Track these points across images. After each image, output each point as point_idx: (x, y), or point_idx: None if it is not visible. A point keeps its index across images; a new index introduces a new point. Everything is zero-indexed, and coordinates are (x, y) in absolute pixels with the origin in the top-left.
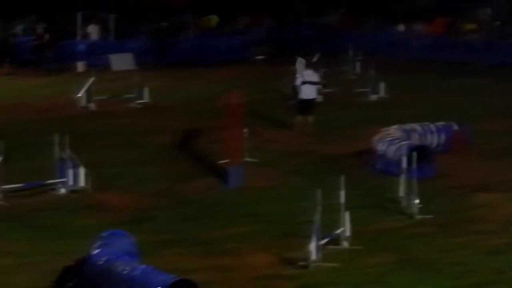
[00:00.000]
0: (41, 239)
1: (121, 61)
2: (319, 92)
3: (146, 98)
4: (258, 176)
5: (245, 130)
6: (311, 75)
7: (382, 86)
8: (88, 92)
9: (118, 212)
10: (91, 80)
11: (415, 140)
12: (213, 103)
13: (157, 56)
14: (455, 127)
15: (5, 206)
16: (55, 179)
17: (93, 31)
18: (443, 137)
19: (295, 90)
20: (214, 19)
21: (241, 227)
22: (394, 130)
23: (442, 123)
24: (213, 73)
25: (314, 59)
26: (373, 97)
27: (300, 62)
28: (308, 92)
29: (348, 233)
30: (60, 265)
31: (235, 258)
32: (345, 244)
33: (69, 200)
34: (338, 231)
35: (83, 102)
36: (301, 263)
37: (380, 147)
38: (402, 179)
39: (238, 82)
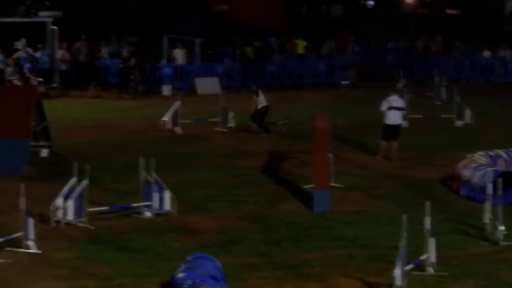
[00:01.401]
0: (125, 262)
1: (206, 85)
2: (404, 118)
3: (231, 122)
4: (343, 200)
5: (331, 154)
6: (397, 101)
7: (467, 111)
8: (174, 115)
9: (203, 235)
10: (177, 103)
11: (501, 166)
12: (299, 127)
13: (242, 79)
14: None
15: (91, 229)
16: (140, 202)
17: (179, 55)
18: None
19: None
20: (300, 43)
21: (327, 251)
22: (479, 156)
23: None
24: (298, 97)
25: (400, 85)
26: (459, 123)
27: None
28: (393, 118)
29: (433, 259)
30: None
31: (320, 283)
32: (430, 270)
33: (154, 223)
34: (423, 257)
35: (169, 125)
36: None
37: (466, 173)
38: (487, 205)
39: (324, 106)
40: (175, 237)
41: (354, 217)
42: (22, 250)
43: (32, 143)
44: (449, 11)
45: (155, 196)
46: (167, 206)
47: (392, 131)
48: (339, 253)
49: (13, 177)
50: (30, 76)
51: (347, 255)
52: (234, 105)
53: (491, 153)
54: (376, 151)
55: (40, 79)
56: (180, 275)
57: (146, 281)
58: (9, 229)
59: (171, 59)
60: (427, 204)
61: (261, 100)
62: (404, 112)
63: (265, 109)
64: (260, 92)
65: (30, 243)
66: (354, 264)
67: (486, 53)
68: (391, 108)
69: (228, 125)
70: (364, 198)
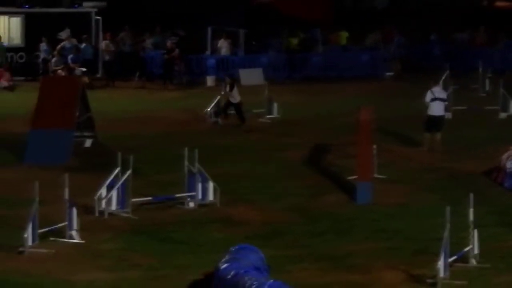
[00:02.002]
0: (169, 253)
1: (250, 76)
2: (447, 109)
3: (275, 113)
4: (387, 192)
5: (374, 146)
6: (440, 92)
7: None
8: (217, 106)
9: (247, 227)
10: (221, 94)
11: None
12: (342, 119)
13: (287, 71)
14: None
15: (134, 220)
16: (184, 193)
17: (223, 45)
18: None
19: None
20: (344, 35)
21: (370, 243)
22: None
23: None
24: (342, 89)
25: (444, 76)
26: (503, 115)
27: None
28: (437, 109)
29: (476, 251)
30: (188, 279)
31: (364, 275)
32: (473, 262)
33: (198, 214)
34: (466, 249)
35: (212, 117)
36: (429, 280)
37: (509, 165)
38: None
39: (367, 98)
40: (218, 228)
41: (397, 209)
42: (66, 240)
43: (76, 134)
44: (498, 4)
45: (199, 187)
46: (211, 197)
47: (435, 123)
48: (382, 245)
49: (58, 167)
50: (74, 66)
51: (390, 247)
52: (278, 97)
53: None
54: (419, 143)
55: (84, 70)
56: (224, 266)
57: (190, 272)
58: (53, 219)
59: (215, 50)
60: (471, 196)
61: (235, 95)
62: (446, 103)
63: (237, 105)
64: (235, 86)
65: (74, 233)
66: (398, 256)
67: None
68: (435, 99)
69: (272, 116)
70: (408, 190)
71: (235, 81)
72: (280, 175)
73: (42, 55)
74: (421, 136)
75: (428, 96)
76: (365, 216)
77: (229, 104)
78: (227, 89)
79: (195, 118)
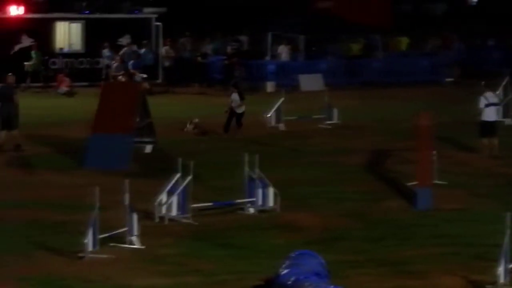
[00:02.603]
0: (229, 258)
1: (310, 82)
2: (505, 115)
3: (335, 119)
4: (447, 198)
5: (434, 152)
6: (493, 97)
7: None
8: (277, 112)
9: (307, 232)
10: (281, 100)
11: None
12: (402, 124)
13: (346, 76)
14: None
15: (194, 225)
16: (244, 198)
17: (283, 51)
18: None
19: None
20: (404, 41)
21: (430, 249)
22: None
23: None
24: (402, 94)
25: (504, 82)
26: None
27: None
28: (491, 114)
29: None
30: (248, 285)
31: (422, 280)
32: None
33: (258, 220)
34: None
35: (272, 122)
36: (489, 286)
37: None
38: None
39: (427, 103)
40: (278, 234)
41: (457, 215)
42: (126, 245)
43: (136, 139)
44: None
45: (259, 192)
46: (271, 202)
47: (490, 128)
48: (441, 251)
49: (118, 173)
50: (134, 72)
51: (450, 252)
52: (337, 102)
53: None
54: (478, 148)
55: (145, 76)
56: (284, 271)
57: (249, 278)
58: (113, 224)
59: (275, 56)
60: None
61: (241, 105)
62: (498, 107)
63: (241, 115)
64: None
65: (134, 238)
66: (457, 262)
67: None
68: (489, 104)
69: (332, 122)
70: (467, 196)
71: (241, 90)
72: (339, 181)
73: (104, 61)
74: (479, 142)
75: (482, 102)
76: (425, 222)
77: (233, 114)
78: (236, 97)
79: (255, 123)
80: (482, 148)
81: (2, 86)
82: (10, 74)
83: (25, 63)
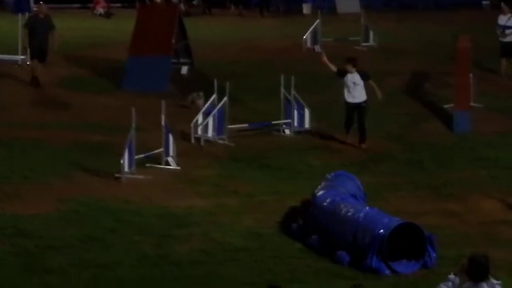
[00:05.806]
0: (266, 180)
1: (347, 4)
2: None
3: (372, 41)
4: (484, 121)
5: (471, 75)
6: (509, 20)
7: None
8: (313, 34)
9: (344, 154)
10: (316, 21)
11: None
12: (440, 47)
13: None
14: None
15: (231, 146)
16: (280, 120)
17: None
18: None
19: None
20: None
21: (468, 172)
22: None
23: None
24: (440, 17)
25: None
26: None
27: None
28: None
29: None
30: (285, 206)
31: (461, 203)
32: None
33: (294, 141)
34: None
35: (308, 44)
36: None
37: None
38: None
39: (465, 27)
40: (315, 155)
41: (495, 138)
42: (162, 166)
43: (173, 61)
44: None
45: (295, 114)
46: (307, 124)
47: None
48: (480, 174)
49: (156, 94)
50: None
51: (488, 176)
52: (374, 25)
53: None
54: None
55: None
56: (321, 192)
57: (287, 198)
58: (150, 146)
59: None
60: None
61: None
62: None
63: None
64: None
65: (170, 159)
66: (495, 185)
67: None
68: (506, 27)
69: (368, 44)
70: (505, 119)
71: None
72: (378, 104)
73: None
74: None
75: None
76: (463, 145)
77: None
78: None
79: (292, 45)
80: (500, 68)
81: (31, 16)
82: (41, 2)
83: None
